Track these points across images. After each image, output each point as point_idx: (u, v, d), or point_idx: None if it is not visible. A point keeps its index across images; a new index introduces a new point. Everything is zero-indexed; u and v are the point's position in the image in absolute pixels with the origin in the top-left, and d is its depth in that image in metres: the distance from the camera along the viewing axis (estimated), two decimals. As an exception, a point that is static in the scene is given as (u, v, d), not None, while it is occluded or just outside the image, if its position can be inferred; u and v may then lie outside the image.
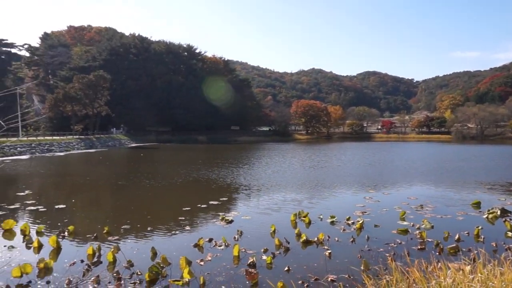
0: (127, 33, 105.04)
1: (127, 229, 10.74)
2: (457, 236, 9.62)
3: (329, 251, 8.61)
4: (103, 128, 72.99)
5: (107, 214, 13.50)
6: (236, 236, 9.91)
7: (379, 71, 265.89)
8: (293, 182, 20.49)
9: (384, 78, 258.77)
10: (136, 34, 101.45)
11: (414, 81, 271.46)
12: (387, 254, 8.27)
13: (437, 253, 8.44)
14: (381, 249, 8.83)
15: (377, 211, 13.13)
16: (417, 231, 10.23)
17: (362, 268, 7.26)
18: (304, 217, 11.86)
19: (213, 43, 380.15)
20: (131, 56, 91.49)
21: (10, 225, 10.54)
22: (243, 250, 8.65)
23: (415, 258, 6.35)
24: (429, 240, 9.54)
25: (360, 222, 10.97)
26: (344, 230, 10.63)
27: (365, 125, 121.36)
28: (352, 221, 11.44)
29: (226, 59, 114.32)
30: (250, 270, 7.10)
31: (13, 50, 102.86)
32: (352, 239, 9.66)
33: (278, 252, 8.71)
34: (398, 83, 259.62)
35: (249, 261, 7.80)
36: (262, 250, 8.71)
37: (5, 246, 9.13)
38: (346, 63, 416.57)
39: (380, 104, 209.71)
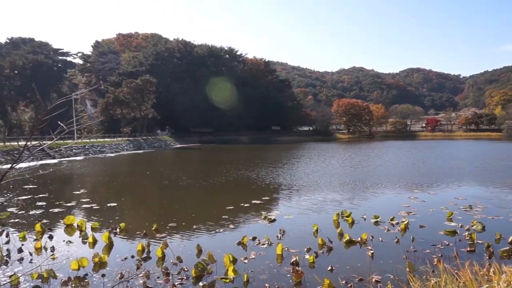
0: (171, 38, 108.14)
1: (174, 227, 11.04)
2: (510, 239, 9.06)
3: (372, 251, 8.41)
4: (150, 130, 75.56)
5: (154, 212, 13.95)
6: (279, 235, 9.92)
7: (423, 68, 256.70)
8: (334, 182, 20.17)
9: (429, 74, 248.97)
10: (180, 39, 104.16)
11: (461, 77, 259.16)
12: (434, 256, 7.95)
13: (487, 256, 7.99)
14: (428, 250, 8.49)
15: (423, 212, 12.64)
16: (466, 233, 9.74)
17: (407, 269, 7.02)
18: (347, 217, 11.65)
19: (254, 45, 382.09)
20: (175, 60, 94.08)
21: (71, 221, 11.17)
22: (286, 249, 8.64)
23: (464, 261, 6.05)
24: (479, 242, 9.05)
25: (405, 222, 10.61)
26: (388, 230, 10.33)
27: (409, 123, 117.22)
28: (396, 222, 11.10)
29: (266, 60, 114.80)
30: (297, 268, 7.07)
31: (68, 59, 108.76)
32: (396, 239, 9.37)
33: (321, 251, 8.62)
34: (444, 79, 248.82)
35: (292, 260, 7.77)
36: (305, 249, 8.65)
37: (63, 240, 9.69)
38: (388, 61, 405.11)
39: (424, 102, 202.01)
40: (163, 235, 10.18)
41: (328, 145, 65.31)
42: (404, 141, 77.45)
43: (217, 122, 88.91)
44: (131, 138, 63.10)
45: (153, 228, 10.54)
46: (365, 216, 11.91)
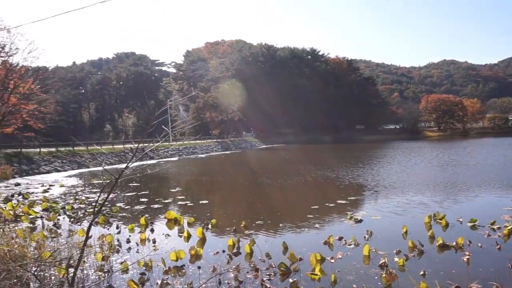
0: (255, 43, 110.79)
1: (260, 225, 11.29)
2: None
3: (469, 257, 7.66)
4: (236, 131, 78.27)
5: (242, 210, 14.41)
6: (366, 236, 9.58)
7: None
8: (420, 183, 18.78)
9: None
10: (263, 43, 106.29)
11: None
12: (546, 266, 7.00)
13: None
14: (538, 260, 7.50)
15: (531, 216, 11.20)
16: None
17: (513, 279, 6.29)
18: (440, 219, 10.80)
19: (336, 44, 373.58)
20: (259, 64, 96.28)
21: (171, 216, 12.07)
22: (374, 250, 8.31)
23: None
24: None
25: (509, 227, 9.50)
26: (488, 235, 9.35)
27: (511, 118, 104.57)
28: (498, 226, 10.00)
29: (349, 59, 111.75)
30: (389, 270, 6.76)
31: (163, 68, 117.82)
32: (498, 246, 8.44)
33: (411, 254, 8.12)
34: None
35: (381, 262, 7.45)
36: (394, 251, 8.22)
37: (163, 234, 10.50)
38: (483, 51, 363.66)
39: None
40: (251, 231, 10.47)
41: (414, 143, 61.26)
42: (505, 138, 69.44)
43: (301, 123, 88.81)
44: (220, 140, 66.00)
45: (242, 225, 10.90)
46: (461, 219, 10.95)
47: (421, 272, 6.99)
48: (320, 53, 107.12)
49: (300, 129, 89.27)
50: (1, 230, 7.12)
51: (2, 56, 34.86)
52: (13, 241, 7.36)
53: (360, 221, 11.33)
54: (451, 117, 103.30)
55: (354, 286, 6.48)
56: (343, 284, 6.68)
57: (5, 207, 13.52)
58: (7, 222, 9.82)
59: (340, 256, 8.07)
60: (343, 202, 14.36)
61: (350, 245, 8.87)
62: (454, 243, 8.56)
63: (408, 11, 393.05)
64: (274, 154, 50.78)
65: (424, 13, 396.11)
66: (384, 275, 6.68)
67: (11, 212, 12.73)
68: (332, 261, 7.79)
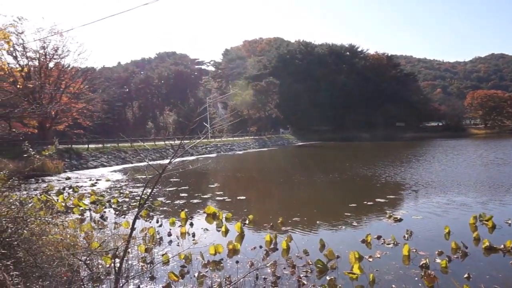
0: (292, 41, 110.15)
1: (297, 221, 11.25)
2: None
3: (519, 262, 7.25)
4: (273, 128, 78.28)
5: (279, 206, 14.42)
6: (406, 236, 9.29)
7: None
8: (463, 183, 17.88)
9: None
10: (301, 40, 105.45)
11: None
12: None
13: None
14: None
15: None
16: None
17: None
18: (487, 220, 10.27)
19: (375, 40, 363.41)
20: (296, 61, 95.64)
21: (211, 211, 12.31)
22: (414, 250, 8.05)
23: None
24: None
25: None
26: (540, 239, 8.79)
27: None
28: (551, 229, 9.38)
29: (389, 55, 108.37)
30: (429, 272, 6.54)
31: (203, 67, 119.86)
32: (552, 250, 7.92)
33: (454, 256, 7.79)
34: None
35: (421, 263, 7.20)
36: (436, 252, 7.92)
37: (202, 228, 10.72)
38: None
39: None
40: (288, 228, 10.46)
41: (458, 141, 58.46)
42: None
43: (338, 120, 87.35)
44: (257, 137, 66.29)
45: (279, 221, 10.92)
46: (510, 221, 10.36)
47: (465, 275, 6.71)
48: (359, 49, 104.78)
49: (337, 127, 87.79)
50: (54, 220, 7.57)
51: (55, 59, 36.97)
52: (65, 231, 7.80)
53: (400, 220, 11.01)
54: (499, 114, 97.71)
55: (393, 286, 6.32)
56: (381, 284, 6.53)
57: (57, 199, 14.34)
58: (59, 213, 10.43)
59: (378, 255, 7.90)
60: (382, 200, 14.00)
61: (389, 244, 8.65)
62: (502, 246, 8.13)
63: (452, 4, 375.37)
64: (311, 151, 50.33)
65: (470, 5, 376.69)
66: (425, 276, 6.46)
67: (63, 204, 13.50)
68: (370, 260, 7.63)
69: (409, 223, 10.64)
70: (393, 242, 8.70)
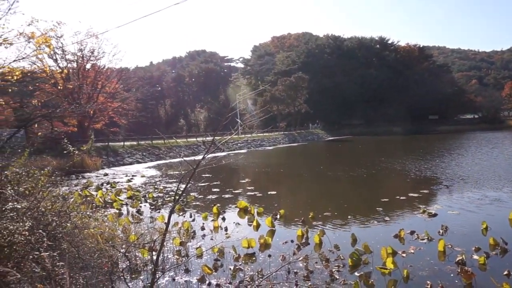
0: (321, 35, 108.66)
1: (328, 216, 11.15)
2: None
3: None
4: (303, 124, 77.68)
5: (309, 201, 14.34)
6: (441, 231, 9.01)
7: None
8: (500, 177, 17.02)
9: None
10: (330, 34, 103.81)
11: None
12: None
13: None
14: None
15: None
16: None
17: None
18: (527, 216, 9.79)
19: (406, 31, 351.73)
20: (325, 56, 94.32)
21: (242, 205, 12.43)
22: (449, 246, 7.80)
23: None
24: None
25: None
26: None
27: None
28: None
29: (421, 46, 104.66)
30: (466, 268, 6.32)
31: (232, 64, 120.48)
32: None
33: (493, 252, 7.48)
34: None
35: (457, 259, 6.97)
36: (473, 248, 7.64)
37: (234, 222, 10.84)
38: None
39: None
40: (319, 222, 10.40)
41: (494, 134, 55.81)
42: None
43: (369, 114, 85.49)
44: (286, 132, 66.05)
45: (309, 216, 10.87)
46: (551, 217, 9.83)
47: (505, 272, 6.43)
48: (389, 42, 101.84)
49: (368, 121, 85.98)
50: (94, 214, 7.91)
51: (91, 60, 38.34)
52: (104, 224, 8.12)
53: (435, 215, 10.68)
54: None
55: (428, 282, 6.16)
56: (416, 279, 6.38)
57: (96, 195, 14.92)
58: (98, 208, 10.86)
59: (412, 251, 7.71)
60: (415, 195, 13.63)
61: (423, 239, 8.42)
62: (544, 243, 7.73)
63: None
64: (341, 146, 49.60)
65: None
66: (461, 273, 6.25)
67: (101, 199, 14.03)
68: (404, 255, 7.46)
69: (443, 218, 10.30)
70: (427, 237, 8.46)
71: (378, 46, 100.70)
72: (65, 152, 14.63)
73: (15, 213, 5.06)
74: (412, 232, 8.90)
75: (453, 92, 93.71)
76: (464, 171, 19.34)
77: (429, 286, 6.03)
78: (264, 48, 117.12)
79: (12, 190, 5.78)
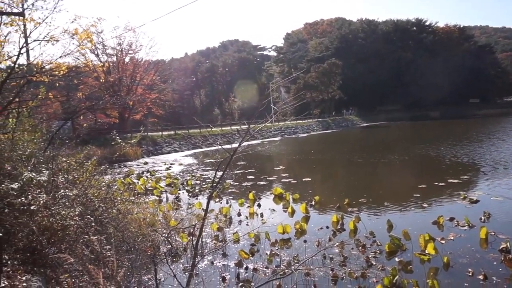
0: (354, 20, 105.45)
1: (364, 202, 10.98)
2: None
3: None
4: (337, 110, 76.21)
5: (344, 187, 14.16)
6: (482, 218, 8.65)
7: None
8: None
9: None
10: (363, 19, 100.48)
11: None
12: None
13: None
14: None
15: None
16: None
17: None
18: None
19: (446, 11, 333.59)
20: (359, 41, 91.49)
21: (278, 192, 12.50)
22: (492, 233, 7.48)
23: None
24: None
25: None
26: None
27: None
28: None
29: (461, 26, 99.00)
30: (509, 256, 6.03)
31: (265, 52, 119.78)
32: None
33: (539, 240, 7.11)
34: None
35: (501, 247, 6.67)
36: (517, 236, 7.29)
37: (269, 208, 10.93)
38: None
39: None
40: (355, 209, 10.27)
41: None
42: None
43: (405, 99, 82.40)
44: (320, 119, 65.12)
45: (345, 202, 10.76)
46: None
47: (553, 261, 6.10)
48: (427, 23, 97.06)
49: (405, 106, 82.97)
50: (137, 201, 8.25)
51: (130, 53, 39.45)
52: (145, 210, 8.45)
53: (476, 201, 10.25)
54: None
55: (470, 270, 5.96)
56: (456, 267, 6.19)
57: (137, 182, 15.49)
58: (139, 195, 11.28)
59: (452, 238, 7.47)
60: (456, 181, 13.13)
61: (463, 226, 8.13)
62: None
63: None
64: (376, 132, 48.36)
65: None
66: (505, 261, 5.99)
67: (142, 187, 14.56)
68: (443, 242, 7.25)
69: (486, 205, 9.86)
70: (467, 224, 8.16)
71: (414, 28, 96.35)
72: (112, 143, 15.27)
73: (66, 199, 5.37)
74: (451, 219, 8.61)
75: (496, 74, 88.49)
76: (504, 157, 18.36)
77: (470, 274, 5.84)
78: (297, 35, 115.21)
79: (63, 178, 6.13)
